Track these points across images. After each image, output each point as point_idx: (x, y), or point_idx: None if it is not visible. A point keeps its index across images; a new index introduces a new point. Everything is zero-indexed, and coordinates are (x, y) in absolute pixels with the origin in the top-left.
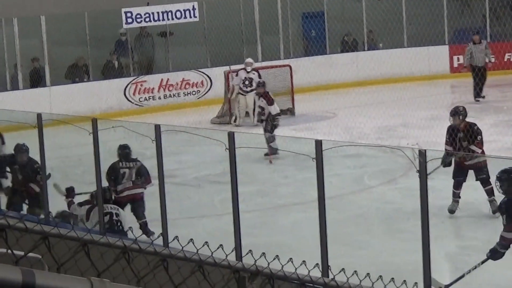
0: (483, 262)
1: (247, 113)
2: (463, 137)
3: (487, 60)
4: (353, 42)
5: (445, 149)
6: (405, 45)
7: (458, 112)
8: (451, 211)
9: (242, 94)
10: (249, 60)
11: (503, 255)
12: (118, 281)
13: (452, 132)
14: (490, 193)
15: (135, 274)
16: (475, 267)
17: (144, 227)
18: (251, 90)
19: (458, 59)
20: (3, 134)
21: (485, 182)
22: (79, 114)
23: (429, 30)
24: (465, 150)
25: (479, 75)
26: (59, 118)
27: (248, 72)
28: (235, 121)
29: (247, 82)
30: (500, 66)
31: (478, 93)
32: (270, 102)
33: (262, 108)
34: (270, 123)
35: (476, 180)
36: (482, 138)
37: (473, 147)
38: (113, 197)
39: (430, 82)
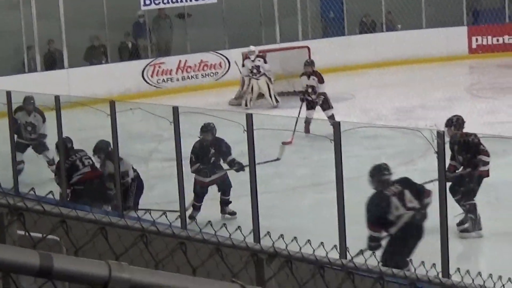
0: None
1: (261, 95)
2: (458, 150)
3: None
4: (371, 24)
5: (450, 165)
6: (423, 26)
7: (450, 123)
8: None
9: (254, 79)
10: (251, 48)
11: (380, 246)
12: (136, 263)
13: (451, 145)
14: (465, 209)
15: (153, 257)
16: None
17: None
18: (261, 75)
19: (476, 40)
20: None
21: (466, 195)
22: (97, 96)
23: (448, 11)
24: (465, 163)
25: None
26: (77, 100)
27: (253, 61)
28: (246, 105)
29: (255, 71)
30: None
31: None
32: (321, 80)
33: (313, 87)
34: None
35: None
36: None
37: (482, 157)
38: None
39: (448, 63)
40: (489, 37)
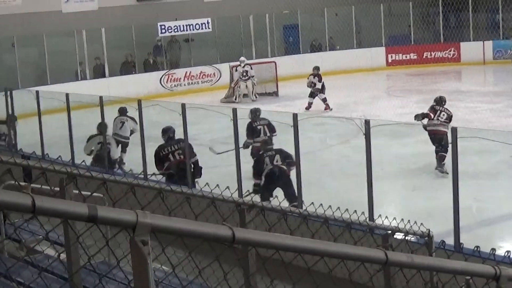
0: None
1: (245, 95)
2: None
3: None
4: (318, 45)
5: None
6: (354, 47)
7: (436, 100)
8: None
9: (243, 81)
10: (242, 58)
11: (260, 191)
12: (155, 213)
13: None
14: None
15: (168, 208)
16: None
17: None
18: (248, 79)
19: (391, 56)
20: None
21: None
22: (129, 97)
23: (371, 36)
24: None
25: None
26: (115, 99)
27: (243, 67)
28: (235, 99)
29: (244, 74)
30: (422, 61)
31: None
32: (320, 80)
33: (314, 84)
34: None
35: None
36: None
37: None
38: None
39: (372, 73)
40: (400, 54)
